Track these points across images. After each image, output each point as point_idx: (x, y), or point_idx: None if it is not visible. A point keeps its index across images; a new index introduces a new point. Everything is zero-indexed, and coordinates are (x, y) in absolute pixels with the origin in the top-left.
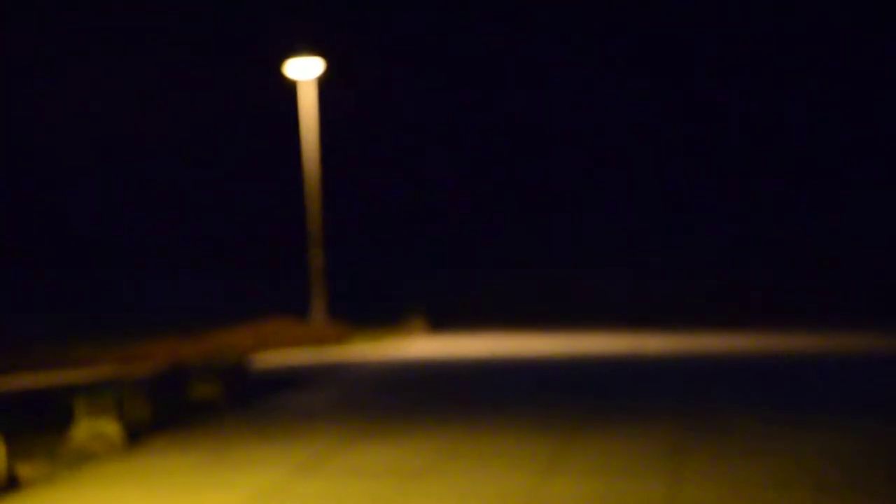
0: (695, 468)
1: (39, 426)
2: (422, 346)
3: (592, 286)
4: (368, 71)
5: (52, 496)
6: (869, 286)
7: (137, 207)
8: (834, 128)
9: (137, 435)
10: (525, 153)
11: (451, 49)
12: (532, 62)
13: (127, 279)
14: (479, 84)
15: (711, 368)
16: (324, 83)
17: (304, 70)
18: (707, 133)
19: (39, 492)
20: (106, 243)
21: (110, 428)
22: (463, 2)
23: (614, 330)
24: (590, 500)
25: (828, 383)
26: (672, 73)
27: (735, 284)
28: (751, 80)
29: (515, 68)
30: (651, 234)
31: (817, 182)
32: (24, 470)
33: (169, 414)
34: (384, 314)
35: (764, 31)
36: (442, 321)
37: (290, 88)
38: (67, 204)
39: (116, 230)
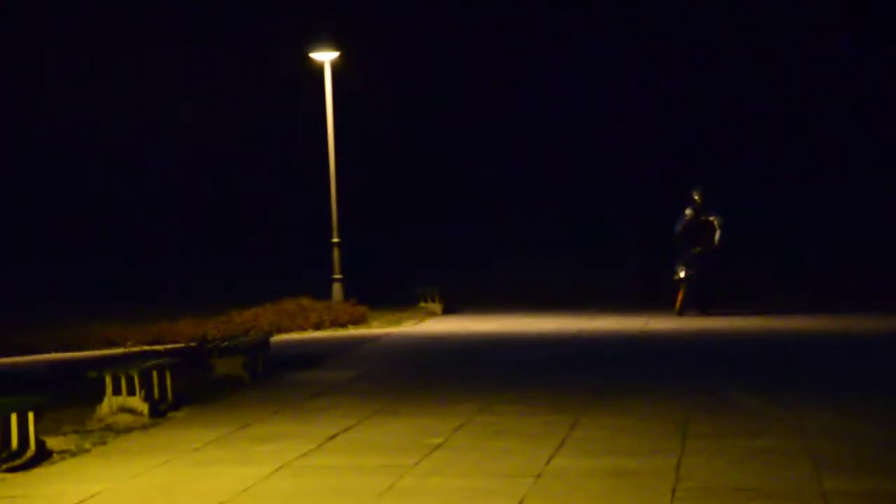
0: (700, 445)
1: (68, 400)
2: (438, 327)
3: (604, 273)
4: (387, 58)
5: (80, 468)
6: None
7: (158, 189)
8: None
9: (163, 410)
10: (543, 140)
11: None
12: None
13: (151, 260)
14: (500, 72)
15: (719, 347)
16: (341, 72)
17: (324, 57)
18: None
19: (67, 464)
20: (128, 224)
21: (136, 403)
22: None
23: (626, 312)
24: (601, 474)
25: (832, 363)
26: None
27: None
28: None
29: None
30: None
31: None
32: (53, 442)
33: (193, 389)
34: (401, 296)
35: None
36: (458, 303)
37: (315, 74)
38: (94, 185)
39: (137, 211)
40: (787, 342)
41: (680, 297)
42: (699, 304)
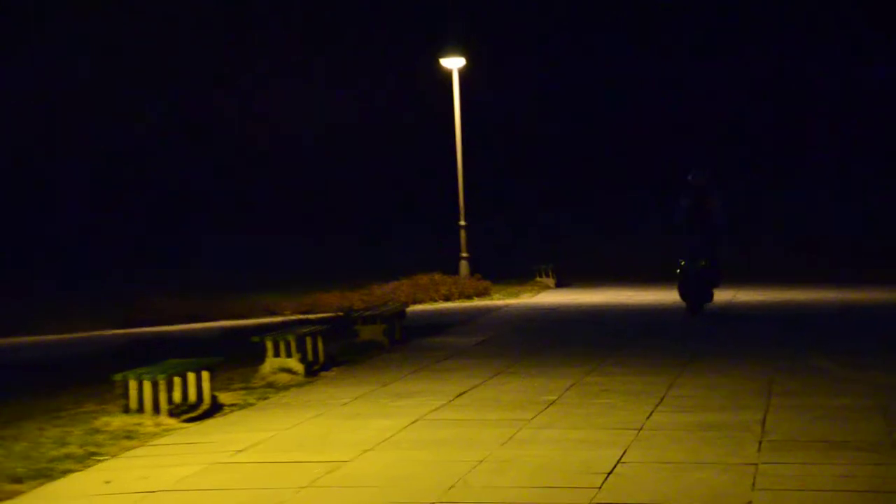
0: (783, 403)
1: (236, 361)
2: (552, 299)
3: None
4: (509, 63)
5: (246, 419)
6: None
7: (318, 181)
8: None
9: (316, 370)
10: (637, 130)
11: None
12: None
13: (306, 240)
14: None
15: (797, 317)
16: (468, 74)
17: (453, 63)
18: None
19: (236, 415)
20: (290, 209)
21: (293, 363)
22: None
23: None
24: (695, 428)
25: None
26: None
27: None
28: None
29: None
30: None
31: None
32: (224, 397)
33: (341, 352)
34: (519, 272)
35: None
36: (569, 278)
37: (444, 78)
38: (267, 177)
39: (295, 196)
40: (857, 311)
41: (689, 296)
42: (702, 298)
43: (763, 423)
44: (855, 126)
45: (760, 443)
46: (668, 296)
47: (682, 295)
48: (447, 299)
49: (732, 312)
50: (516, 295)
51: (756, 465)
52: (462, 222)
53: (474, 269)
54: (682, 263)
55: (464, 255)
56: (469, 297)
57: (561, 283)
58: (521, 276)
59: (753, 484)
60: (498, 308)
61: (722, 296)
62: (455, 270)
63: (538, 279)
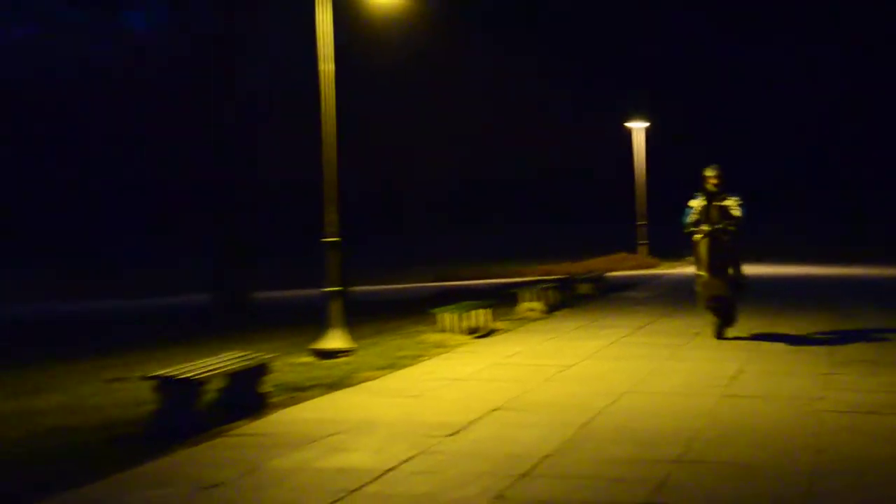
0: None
1: (501, 304)
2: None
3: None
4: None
5: (509, 339)
6: None
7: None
8: None
9: (551, 310)
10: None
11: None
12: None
13: (532, 228)
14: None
15: (840, 284)
16: (651, 131)
17: (637, 124)
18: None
19: (502, 336)
20: (519, 208)
21: (538, 305)
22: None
23: (795, 262)
24: (786, 351)
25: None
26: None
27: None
28: None
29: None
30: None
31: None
32: (496, 324)
33: (566, 300)
34: (677, 252)
35: None
36: None
37: (628, 134)
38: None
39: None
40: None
41: (713, 318)
42: (729, 315)
43: (831, 348)
44: None
45: (830, 361)
46: (788, 269)
47: (707, 306)
48: (630, 270)
49: (801, 280)
50: (674, 268)
51: (827, 374)
52: (641, 222)
53: (649, 249)
54: (701, 280)
55: (642, 241)
56: (644, 268)
57: None
58: (678, 255)
59: (826, 385)
60: (661, 276)
61: (797, 270)
62: (635, 251)
63: (688, 258)
